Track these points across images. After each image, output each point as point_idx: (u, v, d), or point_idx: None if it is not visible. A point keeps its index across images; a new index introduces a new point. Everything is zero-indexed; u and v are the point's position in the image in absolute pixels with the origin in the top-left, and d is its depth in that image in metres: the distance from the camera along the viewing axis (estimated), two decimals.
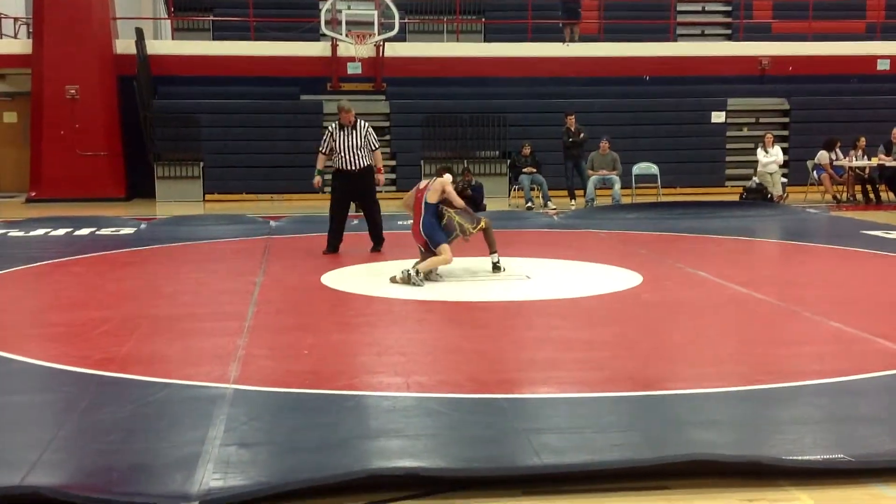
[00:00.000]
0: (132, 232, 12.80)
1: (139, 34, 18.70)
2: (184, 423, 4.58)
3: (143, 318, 7.05)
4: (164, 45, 19.70)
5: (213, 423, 4.49)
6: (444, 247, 8.64)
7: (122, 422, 4.58)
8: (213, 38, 20.43)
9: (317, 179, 10.85)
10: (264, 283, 8.60)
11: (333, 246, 10.48)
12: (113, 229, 12.99)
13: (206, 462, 3.98)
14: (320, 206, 16.93)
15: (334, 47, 19.18)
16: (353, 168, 10.44)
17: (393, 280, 8.43)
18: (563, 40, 19.85)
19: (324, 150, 10.56)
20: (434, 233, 8.70)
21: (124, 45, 18.76)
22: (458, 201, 8.93)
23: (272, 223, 13.69)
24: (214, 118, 18.49)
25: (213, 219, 14.61)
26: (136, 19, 19.76)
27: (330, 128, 10.58)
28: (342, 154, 10.41)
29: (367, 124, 10.64)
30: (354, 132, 10.44)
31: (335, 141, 10.41)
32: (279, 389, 5.15)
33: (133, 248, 11.18)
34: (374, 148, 10.63)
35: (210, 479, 3.81)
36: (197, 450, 4.13)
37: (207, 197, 18.25)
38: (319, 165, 10.77)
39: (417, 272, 8.32)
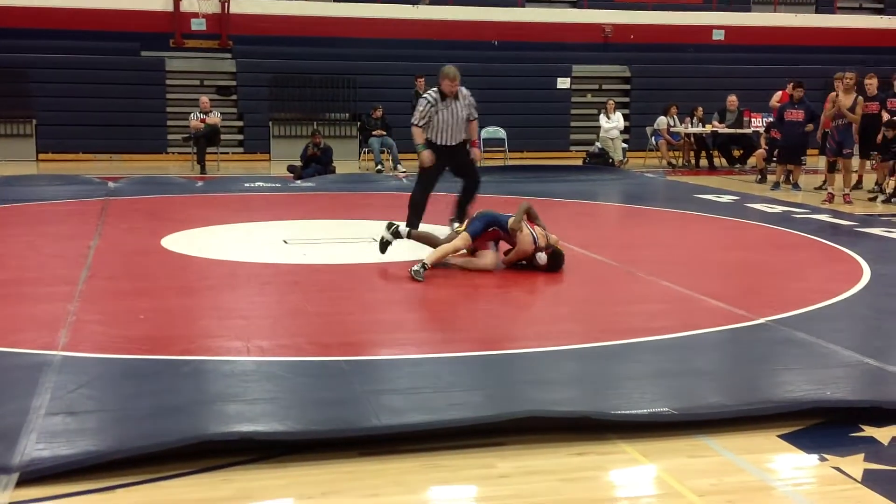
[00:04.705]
0: None
1: None
2: (7, 393, 4.36)
3: None
4: None
5: (39, 392, 4.30)
6: (463, 234, 7.78)
7: None
8: None
9: (429, 155, 9.01)
10: (99, 246, 8.26)
11: (416, 225, 9.13)
12: None
13: (29, 432, 3.82)
14: (161, 166, 16.48)
15: (177, 2, 18.48)
16: (452, 143, 9.18)
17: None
18: (412, 2, 19.76)
19: (420, 123, 9.02)
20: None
21: None
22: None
23: (110, 184, 13.14)
24: (47, 73, 17.50)
25: (46, 179, 13.92)
26: None
27: (430, 98, 8.99)
28: (441, 128, 9.08)
29: (468, 92, 9.17)
30: (456, 104, 9.09)
31: (438, 113, 9.03)
32: (112, 356, 4.98)
33: None
34: (474, 118, 9.22)
35: (33, 449, 3.65)
36: (20, 420, 3.95)
37: (41, 156, 17.32)
38: (421, 140, 9.06)
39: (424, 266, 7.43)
